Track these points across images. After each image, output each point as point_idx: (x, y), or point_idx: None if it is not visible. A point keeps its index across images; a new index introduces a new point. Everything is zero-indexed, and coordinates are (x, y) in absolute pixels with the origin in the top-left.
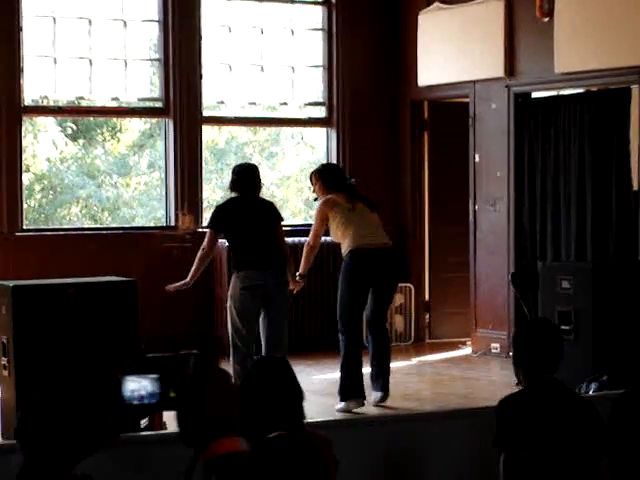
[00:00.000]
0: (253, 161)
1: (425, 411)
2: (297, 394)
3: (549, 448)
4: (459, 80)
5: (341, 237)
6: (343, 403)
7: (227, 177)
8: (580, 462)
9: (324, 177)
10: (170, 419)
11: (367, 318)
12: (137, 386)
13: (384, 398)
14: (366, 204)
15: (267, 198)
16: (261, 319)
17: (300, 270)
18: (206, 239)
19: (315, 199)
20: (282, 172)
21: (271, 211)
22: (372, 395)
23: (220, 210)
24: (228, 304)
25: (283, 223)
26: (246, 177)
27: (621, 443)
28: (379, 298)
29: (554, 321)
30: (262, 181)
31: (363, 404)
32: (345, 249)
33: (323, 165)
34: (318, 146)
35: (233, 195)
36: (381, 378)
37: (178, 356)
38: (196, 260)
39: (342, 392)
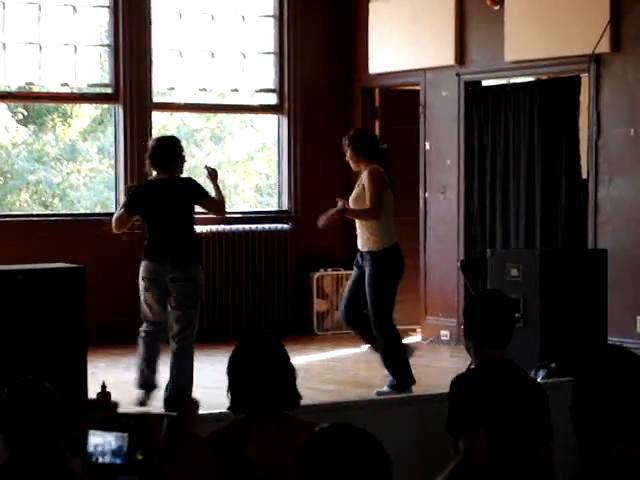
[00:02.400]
0: (203, 147)
1: (374, 398)
2: (289, 371)
3: (497, 430)
4: (410, 68)
5: (377, 221)
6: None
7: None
8: (524, 445)
9: (363, 142)
10: None
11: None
12: (101, 441)
13: None
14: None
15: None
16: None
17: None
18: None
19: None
20: (231, 157)
21: (188, 191)
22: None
23: (136, 192)
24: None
25: (233, 210)
26: (162, 152)
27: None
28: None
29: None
30: (185, 156)
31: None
32: (386, 241)
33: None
34: (268, 132)
35: (152, 173)
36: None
37: (151, 415)
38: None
39: (401, 382)
